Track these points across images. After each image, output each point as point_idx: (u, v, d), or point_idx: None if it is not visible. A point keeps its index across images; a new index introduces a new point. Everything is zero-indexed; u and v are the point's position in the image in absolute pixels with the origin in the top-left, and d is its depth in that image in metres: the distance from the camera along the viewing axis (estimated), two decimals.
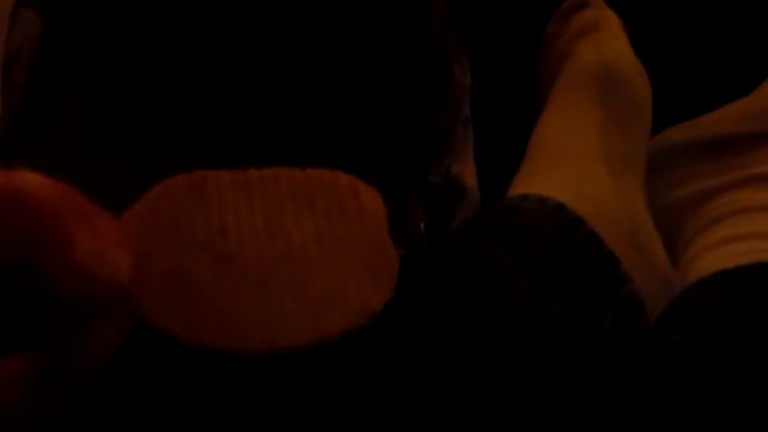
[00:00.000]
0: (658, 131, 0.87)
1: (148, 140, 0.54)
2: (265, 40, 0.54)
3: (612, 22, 0.89)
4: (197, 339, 0.40)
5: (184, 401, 0.51)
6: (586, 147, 0.79)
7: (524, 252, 0.69)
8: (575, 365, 0.66)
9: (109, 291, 0.37)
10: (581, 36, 0.87)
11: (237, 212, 0.41)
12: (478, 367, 0.62)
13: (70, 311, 0.36)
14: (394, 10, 0.55)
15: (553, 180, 0.77)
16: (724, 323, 0.66)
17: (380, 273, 0.42)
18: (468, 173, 0.65)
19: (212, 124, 0.54)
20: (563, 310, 0.67)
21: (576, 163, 0.78)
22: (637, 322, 0.71)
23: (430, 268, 0.65)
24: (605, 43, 0.86)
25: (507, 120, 0.89)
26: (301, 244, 0.41)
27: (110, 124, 0.53)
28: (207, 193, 0.41)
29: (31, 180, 0.34)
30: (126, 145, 0.53)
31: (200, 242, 0.40)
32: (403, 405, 0.59)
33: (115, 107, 0.53)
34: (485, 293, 0.65)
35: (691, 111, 0.87)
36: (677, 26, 0.92)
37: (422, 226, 0.55)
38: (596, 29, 0.88)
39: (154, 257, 0.40)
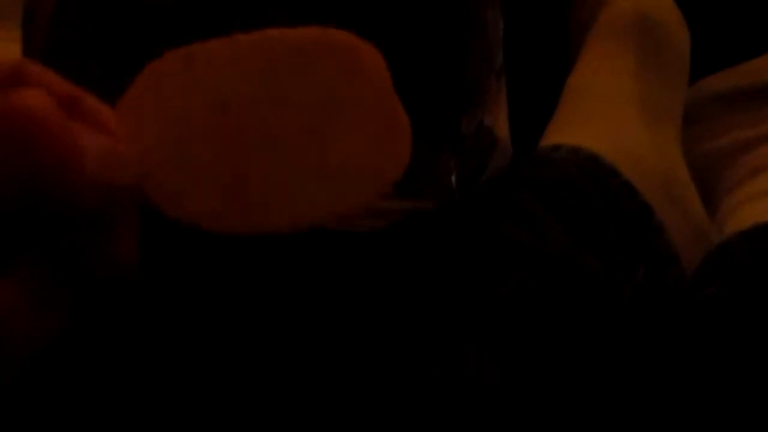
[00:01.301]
0: (697, 80, 0.85)
1: None
2: None
3: None
4: (218, 224, 0.38)
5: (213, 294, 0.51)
6: (621, 95, 0.78)
7: (557, 204, 0.68)
8: (609, 317, 0.65)
9: (124, 190, 0.36)
10: None
11: (232, 85, 0.38)
12: (510, 319, 0.62)
13: (88, 221, 0.35)
14: None
15: (586, 129, 0.75)
16: (762, 276, 0.65)
17: (394, 135, 0.39)
18: (500, 123, 0.64)
19: None
20: (596, 262, 0.66)
21: (610, 111, 0.77)
22: (671, 273, 0.70)
23: (462, 220, 0.64)
24: None
25: (540, 68, 0.87)
26: (306, 110, 0.39)
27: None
28: (197, 71, 0.39)
29: (29, 97, 0.33)
30: None
31: (200, 123, 0.38)
32: (434, 354, 0.59)
33: (134, 61, 0.52)
34: (518, 245, 0.65)
35: (730, 59, 0.85)
36: None
37: (453, 179, 0.54)
38: None
39: (155, 145, 0.38)
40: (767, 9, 0.88)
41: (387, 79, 0.40)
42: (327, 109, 0.39)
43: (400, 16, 0.53)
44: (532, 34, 0.86)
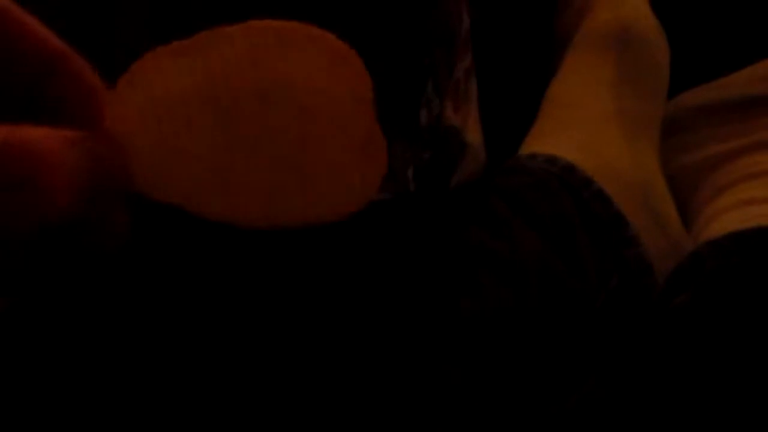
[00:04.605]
0: (676, 93, 0.85)
1: None
2: None
3: None
4: (200, 208, 0.39)
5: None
6: (600, 107, 0.78)
7: (530, 211, 0.68)
8: (580, 325, 0.65)
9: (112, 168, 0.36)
10: None
11: (221, 73, 0.40)
12: (479, 325, 0.62)
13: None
14: None
15: (564, 139, 0.75)
16: (731, 285, 0.64)
17: (372, 148, 0.41)
18: (470, 127, 0.63)
19: None
20: (569, 269, 0.66)
21: (589, 122, 0.77)
22: (644, 283, 0.70)
23: (431, 224, 0.64)
24: (623, 2, 0.84)
25: (520, 79, 0.87)
26: (289, 111, 0.40)
27: None
28: (187, 61, 0.40)
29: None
30: None
31: (186, 112, 0.40)
32: (402, 360, 0.59)
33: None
34: (487, 252, 0.64)
35: (710, 73, 0.85)
36: None
37: (410, 172, 0.53)
38: None
39: (140, 130, 0.39)
40: (746, 24, 0.89)
41: (366, 78, 0.41)
42: (309, 112, 0.40)
43: None
44: (514, 45, 0.86)
